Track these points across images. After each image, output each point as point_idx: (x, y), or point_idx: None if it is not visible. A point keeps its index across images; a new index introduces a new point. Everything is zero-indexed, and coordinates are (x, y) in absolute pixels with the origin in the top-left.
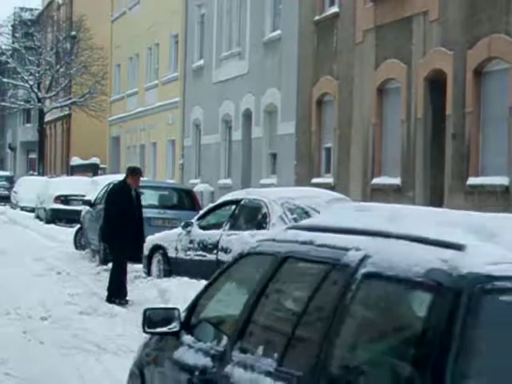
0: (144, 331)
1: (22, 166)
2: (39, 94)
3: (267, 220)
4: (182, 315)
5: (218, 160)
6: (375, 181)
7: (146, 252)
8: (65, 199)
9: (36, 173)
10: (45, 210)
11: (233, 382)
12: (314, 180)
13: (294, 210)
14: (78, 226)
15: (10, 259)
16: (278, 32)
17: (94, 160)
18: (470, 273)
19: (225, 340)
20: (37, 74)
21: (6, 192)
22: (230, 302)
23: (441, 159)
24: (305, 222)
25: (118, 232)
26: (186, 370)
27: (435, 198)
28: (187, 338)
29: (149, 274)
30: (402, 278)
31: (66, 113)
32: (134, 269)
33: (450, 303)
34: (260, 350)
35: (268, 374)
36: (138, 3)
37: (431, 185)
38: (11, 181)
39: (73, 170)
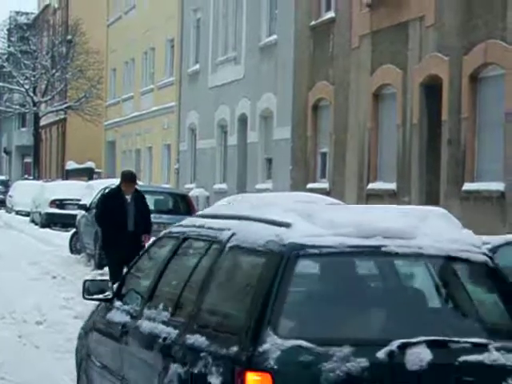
0: (83, 298)
1: (17, 170)
2: (35, 98)
3: None
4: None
5: (213, 165)
6: (371, 186)
7: None
8: (60, 203)
9: (31, 177)
10: (40, 214)
11: (141, 330)
12: (310, 185)
13: None
14: (74, 230)
15: (6, 263)
16: (274, 37)
17: (90, 164)
18: (290, 242)
19: (140, 303)
20: (32, 78)
21: (1, 196)
22: (147, 274)
23: (436, 165)
24: (203, 211)
25: (112, 238)
26: (113, 325)
27: (431, 204)
28: (117, 304)
29: None
30: (251, 248)
31: (62, 117)
32: None
33: (276, 263)
34: (160, 306)
35: (163, 322)
36: (134, 8)
37: (427, 190)
38: (6, 185)
39: (68, 174)
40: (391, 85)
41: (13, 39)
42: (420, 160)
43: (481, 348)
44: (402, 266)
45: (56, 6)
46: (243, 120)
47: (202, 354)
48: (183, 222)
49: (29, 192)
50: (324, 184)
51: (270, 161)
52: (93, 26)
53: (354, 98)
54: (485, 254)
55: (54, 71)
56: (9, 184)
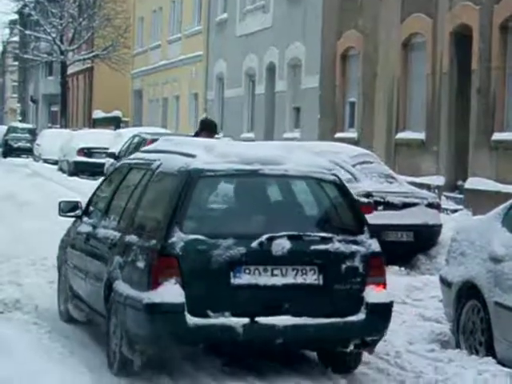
0: (59, 215)
1: (44, 119)
2: (62, 46)
3: None
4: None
5: (240, 114)
6: (399, 135)
7: None
8: (88, 152)
9: (58, 125)
10: (68, 162)
11: (98, 236)
12: (338, 134)
13: None
14: (103, 178)
15: (34, 211)
16: None
17: (117, 113)
18: (194, 167)
19: (99, 216)
20: (59, 27)
21: (29, 144)
22: (106, 194)
23: (466, 114)
24: (143, 148)
25: None
26: (81, 234)
27: (460, 153)
28: (85, 219)
29: None
30: (170, 173)
31: (89, 66)
32: None
33: (184, 182)
34: (111, 217)
35: (112, 228)
36: None
37: (456, 140)
38: (33, 133)
39: (95, 123)
40: (421, 34)
41: None
42: (449, 109)
43: (327, 240)
44: (273, 183)
45: None
46: (271, 69)
47: (134, 248)
48: (131, 156)
49: (56, 140)
50: (352, 133)
51: (297, 110)
52: None
53: (383, 48)
54: (334, 174)
55: (81, 20)
56: (36, 132)
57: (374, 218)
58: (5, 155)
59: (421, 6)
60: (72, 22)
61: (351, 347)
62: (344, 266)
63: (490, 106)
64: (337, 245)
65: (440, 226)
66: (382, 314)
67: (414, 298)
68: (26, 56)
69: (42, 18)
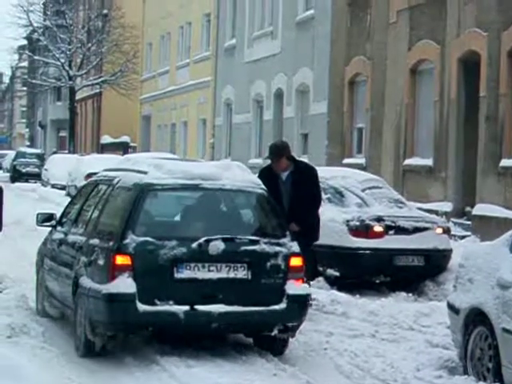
0: (37, 225)
1: (52, 144)
2: (70, 71)
3: None
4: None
5: (248, 139)
6: (407, 161)
7: None
8: None
9: (66, 151)
10: (76, 187)
11: (68, 241)
12: (346, 160)
13: (327, 190)
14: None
15: (42, 237)
16: (311, 11)
17: (125, 138)
18: (145, 182)
19: (70, 225)
20: (68, 52)
21: (37, 169)
22: (76, 206)
23: (474, 141)
24: (106, 168)
25: None
26: (54, 241)
27: (467, 180)
28: (59, 228)
29: None
30: (126, 187)
31: (97, 91)
32: None
33: (137, 195)
34: (80, 225)
35: (79, 234)
36: None
37: (464, 166)
38: (42, 158)
39: (103, 149)
40: (429, 60)
41: (49, 13)
42: (457, 136)
43: (255, 242)
44: (211, 195)
45: None
46: (279, 95)
47: (96, 249)
48: (98, 174)
49: (64, 165)
50: (360, 159)
51: (305, 136)
52: (129, 0)
53: (391, 74)
54: (262, 188)
55: (89, 45)
56: (44, 157)
57: (385, 242)
58: (13, 180)
59: (429, 33)
60: (81, 47)
61: (275, 331)
62: (269, 264)
63: (497, 132)
64: (263, 246)
65: (450, 250)
66: (300, 303)
67: (421, 324)
68: (34, 81)
69: (50, 44)
